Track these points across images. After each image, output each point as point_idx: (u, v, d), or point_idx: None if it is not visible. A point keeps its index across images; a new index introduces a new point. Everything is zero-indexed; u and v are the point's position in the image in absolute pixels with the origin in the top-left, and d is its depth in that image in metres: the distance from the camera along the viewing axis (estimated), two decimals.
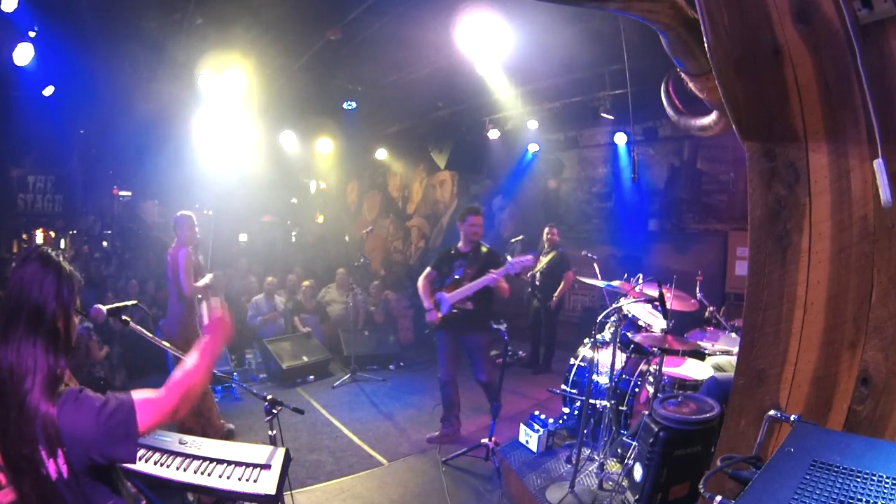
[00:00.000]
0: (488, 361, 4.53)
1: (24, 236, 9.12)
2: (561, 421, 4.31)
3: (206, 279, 4.45)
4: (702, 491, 1.45)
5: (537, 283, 6.83)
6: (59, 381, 1.39)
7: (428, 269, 4.74)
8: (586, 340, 4.44)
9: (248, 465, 2.17)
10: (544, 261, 6.81)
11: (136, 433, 1.40)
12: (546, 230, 6.92)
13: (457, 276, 4.48)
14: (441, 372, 4.59)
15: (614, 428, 3.66)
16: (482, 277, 4.26)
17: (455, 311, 4.42)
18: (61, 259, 1.47)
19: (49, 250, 1.48)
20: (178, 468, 2.16)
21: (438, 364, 4.66)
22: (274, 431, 2.30)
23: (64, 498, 1.35)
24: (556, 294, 6.71)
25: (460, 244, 4.66)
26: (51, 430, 1.31)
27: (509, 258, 7.01)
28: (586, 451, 3.64)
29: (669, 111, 3.39)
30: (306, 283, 7.97)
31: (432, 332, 4.80)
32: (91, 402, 1.38)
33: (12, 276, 1.43)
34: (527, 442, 4.07)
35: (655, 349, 3.63)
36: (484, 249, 4.57)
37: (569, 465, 3.65)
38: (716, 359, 4.03)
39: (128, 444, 1.40)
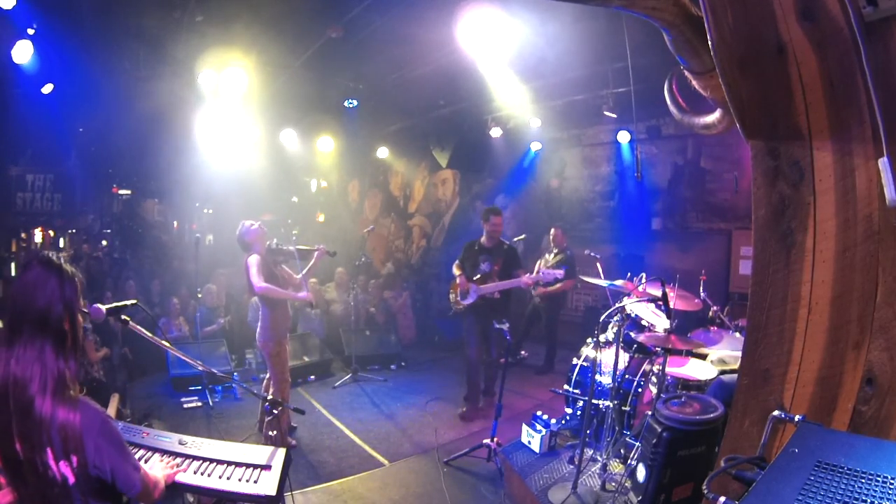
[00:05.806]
0: (501, 344, 5.11)
1: (23, 235, 9.09)
2: (563, 421, 4.30)
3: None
4: (705, 492, 1.44)
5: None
6: (69, 383, 1.40)
7: (457, 262, 5.32)
8: (589, 340, 4.44)
9: (248, 465, 2.15)
10: (552, 261, 6.77)
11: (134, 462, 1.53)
12: (552, 231, 6.91)
13: (486, 270, 5.04)
14: (471, 352, 5.12)
15: (617, 428, 3.64)
16: (515, 279, 4.86)
17: (480, 301, 4.98)
18: (62, 261, 1.50)
19: (49, 254, 1.51)
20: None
21: (468, 345, 5.19)
22: (274, 432, 2.29)
23: (71, 501, 1.35)
24: (552, 288, 6.54)
25: (483, 240, 5.19)
26: (70, 436, 1.33)
27: (540, 264, 7.26)
28: (589, 452, 3.63)
29: (673, 109, 3.36)
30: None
31: (461, 316, 5.27)
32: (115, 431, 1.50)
33: (16, 284, 1.46)
34: (529, 442, 4.06)
35: (659, 349, 3.62)
36: (505, 246, 5.13)
37: (571, 466, 3.64)
38: (719, 354, 4.02)
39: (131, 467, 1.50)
